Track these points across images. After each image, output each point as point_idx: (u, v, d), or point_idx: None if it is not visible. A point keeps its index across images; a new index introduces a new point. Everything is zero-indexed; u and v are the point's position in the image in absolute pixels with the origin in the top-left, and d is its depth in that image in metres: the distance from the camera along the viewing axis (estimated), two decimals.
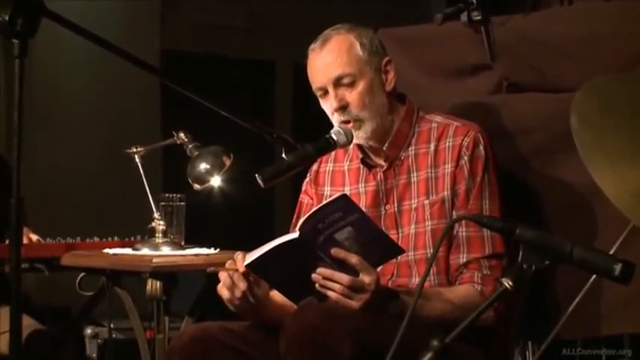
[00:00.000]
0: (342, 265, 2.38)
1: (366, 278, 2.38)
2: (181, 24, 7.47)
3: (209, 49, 7.61)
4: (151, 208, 3.48)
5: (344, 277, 2.37)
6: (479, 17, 2.94)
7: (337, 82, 2.64)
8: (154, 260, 3.19)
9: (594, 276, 2.28)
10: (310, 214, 2.37)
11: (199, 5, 7.65)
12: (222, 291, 2.52)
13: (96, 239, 3.70)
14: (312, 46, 2.69)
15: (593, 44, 2.86)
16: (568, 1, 3.32)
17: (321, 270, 2.38)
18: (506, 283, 1.80)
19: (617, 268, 1.79)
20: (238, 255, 2.49)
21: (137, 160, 3.56)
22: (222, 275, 2.51)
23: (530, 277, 1.84)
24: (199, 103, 2.38)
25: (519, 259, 1.83)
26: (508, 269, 2.09)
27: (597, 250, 1.85)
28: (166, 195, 3.44)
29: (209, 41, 7.62)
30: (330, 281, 2.38)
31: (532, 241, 1.83)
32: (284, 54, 7.89)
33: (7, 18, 2.01)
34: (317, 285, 2.39)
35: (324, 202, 2.45)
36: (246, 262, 2.44)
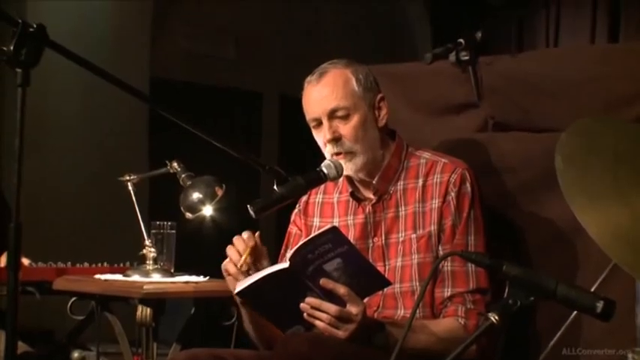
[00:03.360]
0: (330, 296, 2.41)
1: (353, 309, 2.41)
2: (170, 53, 7.52)
3: (197, 78, 7.65)
4: (140, 234, 3.49)
5: (331, 307, 2.39)
6: (467, 57, 2.99)
7: (332, 115, 2.67)
8: (145, 287, 3.20)
9: (575, 312, 2.32)
10: (301, 245, 2.39)
11: (188, 35, 7.70)
12: (229, 266, 2.58)
13: (86, 264, 3.73)
14: (308, 79, 2.72)
15: (577, 86, 2.91)
16: (554, 43, 3.38)
17: (309, 299, 2.41)
18: (492, 318, 1.84)
19: (600, 305, 1.83)
20: (245, 233, 2.58)
21: (130, 187, 3.57)
22: (231, 251, 2.58)
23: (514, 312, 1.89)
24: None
25: (505, 294, 1.88)
26: (493, 304, 2.11)
27: (580, 288, 1.90)
28: (157, 223, 3.44)
29: (197, 70, 7.66)
30: (318, 311, 2.40)
31: (518, 277, 1.88)
32: (271, 84, 7.95)
33: (11, 48, 2.05)
34: (305, 314, 2.42)
35: (315, 233, 2.48)
36: (236, 291, 2.48)
